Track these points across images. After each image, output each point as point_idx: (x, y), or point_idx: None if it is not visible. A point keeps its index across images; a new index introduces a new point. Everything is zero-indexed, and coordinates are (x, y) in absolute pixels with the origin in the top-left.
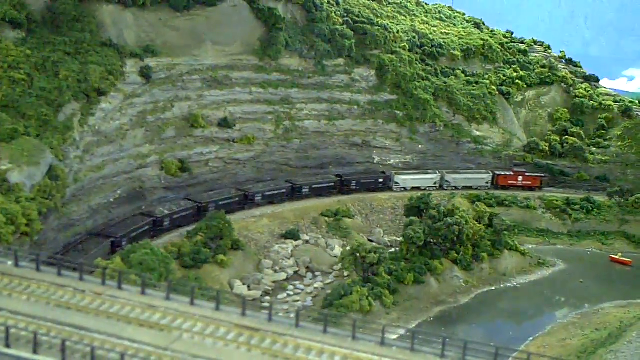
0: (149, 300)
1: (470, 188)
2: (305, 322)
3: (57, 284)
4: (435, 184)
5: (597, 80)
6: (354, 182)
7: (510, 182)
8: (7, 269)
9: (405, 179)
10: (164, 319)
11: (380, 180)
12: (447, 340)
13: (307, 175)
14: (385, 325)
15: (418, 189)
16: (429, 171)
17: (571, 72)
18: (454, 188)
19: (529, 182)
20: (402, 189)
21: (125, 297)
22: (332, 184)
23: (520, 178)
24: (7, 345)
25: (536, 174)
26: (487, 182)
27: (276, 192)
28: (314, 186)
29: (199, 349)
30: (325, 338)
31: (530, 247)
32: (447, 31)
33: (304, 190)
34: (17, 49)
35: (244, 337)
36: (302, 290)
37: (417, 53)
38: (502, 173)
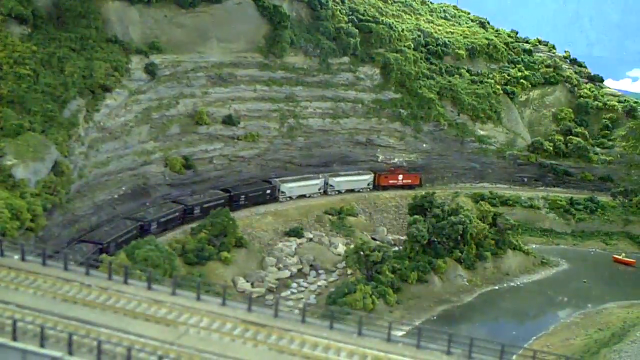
0: (155, 295)
1: (352, 191)
2: (311, 318)
3: (63, 278)
4: (319, 189)
5: (602, 81)
6: (243, 196)
7: (391, 181)
8: (14, 263)
9: (291, 187)
10: (170, 314)
11: (268, 191)
12: (453, 337)
13: (201, 190)
14: (392, 322)
15: (304, 196)
16: (311, 175)
17: (575, 72)
18: (337, 192)
19: (409, 181)
20: (288, 198)
21: (132, 292)
22: (222, 201)
23: (400, 177)
24: (15, 339)
25: (415, 172)
26: (368, 184)
27: (170, 216)
28: (204, 205)
29: (205, 344)
30: (332, 334)
31: (534, 246)
32: (451, 30)
33: (195, 211)
34: (23, 45)
35: (250, 333)
36: (306, 288)
37: (421, 52)
38: (383, 173)
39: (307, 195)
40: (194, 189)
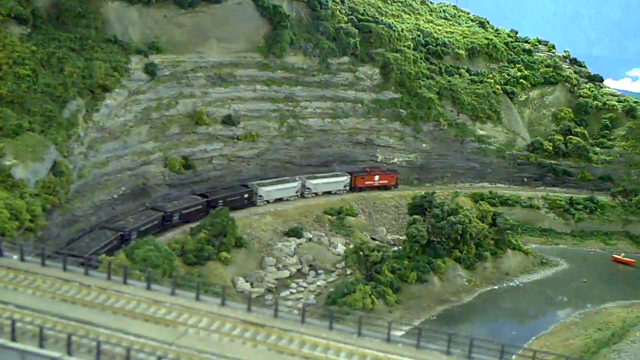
0: (154, 295)
1: (330, 193)
2: (310, 318)
3: (62, 278)
4: (297, 192)
5: (601, 80)
6: (221, 201)
7: (367, 182)
8: (13, 264)
9: (269, 191)
10: (169, 314)
11: (246, 195)
12: (453, 337)
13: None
14: (391, 322)
15: (281, 199)
16: (288, 178)
17: (575, 72)
18: (314, 195)
19: (386, 181)
20: (265, 202)
21: (131, 292)
22: (200, 207)
23: (377, 177)
24: (13, 339)
25: (392, 172)
26: (345, 186)
27: (149, 224)
28: (183, 212)
29: (205, 345)
30: (331, 334)
31: (533, 246)
32: (451, 30)
33: (174, 218)
34: (22, 45)
35: (249, 333)
36: (305, 288)
37: (421, 52)
38: (359, 174)
39: (285, 199)
40: (172, 196)
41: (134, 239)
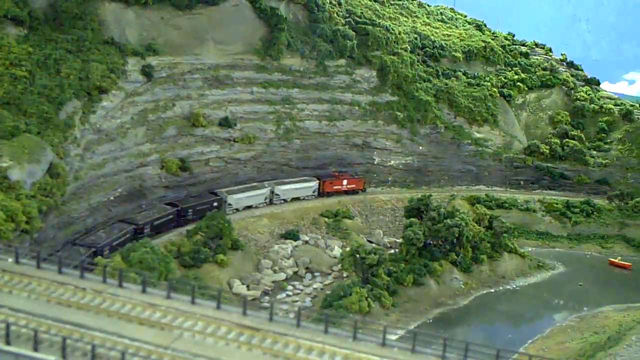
0: (149, 298)
1: (299, 199)
2: (306, 322)
3: (57, 281)
4: (266, 199)
5: (598, 84)
6: (191, 210)
7: (335, 187)
8: (8, 266)
9: (239, 199)
10: (164, 317)
11: (215, 203)
12: (448, 341)
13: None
14: (387, 326)
15: (250, 207)
16: (257, 185)
17: (572, 75)
18: (283, 201)
19: (353, 186)
20: (235, 210)
21: (126, 296)
22: (171, 217)
23: (345, 182)
24: (8, 343)
25: (359, 176)
26: (314, 191)
27: (122, 238)
28: (155, 223)
29: (200, 348)
30: (326, 338)
31: (530, 249)
32: (448, 33)
33: (145, 231)
34: (19, 46)
35: (244, 337)
36: (302, 290)
37: (418, 54)
38: (328, 179)
39: (254, 206)
40: (143, 205)
41: (106, 255)
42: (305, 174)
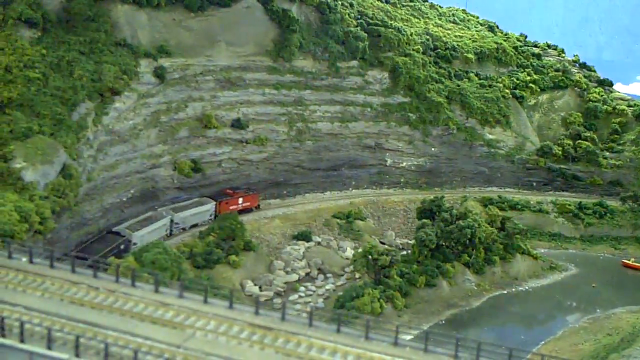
0: (162, 298)
1: (197, 226)
2: (318, 321)
3: (71, 280)
4: (166, 230)
5: (611, 85)
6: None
7: (232, 207)
8: (22, 266)
9: (142, 235)
10: (177, 316)
11: (122, 246)
12: (461, 341)
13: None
14: (399, 326)
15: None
16: (156, 214)
17: (585, 76)
18: (182, 230)
19: (248, 203)
20: (134, 245)
21: (139, 295)
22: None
23: (240, 200)
24: (22, 341)
25: (253, 192)
26: (211, 214)
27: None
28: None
29: (212, 347)
30: (339, 338)
31: (543, 251)
32: (460, 34)
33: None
34: (33, 48)
35: (257, 336)
36: (314, 291)
37: (430, 56)
38: (224, 199)
39: (156, 240)
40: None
41: None
42: (316, 175)
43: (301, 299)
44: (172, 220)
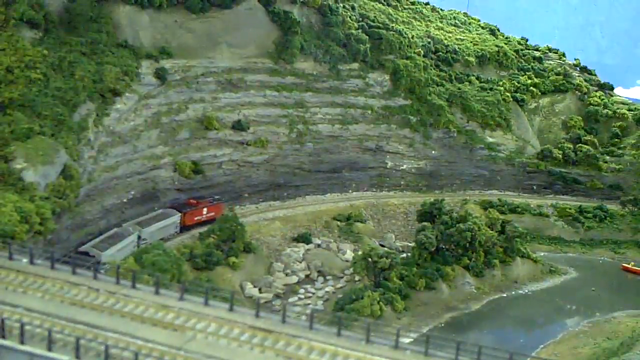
0: (162, 300)
1: (164, 240)
2: (319, 324)
3: (71, 282)
4: (134, 247)
5: (612, 89)
6: None
7: (196, 218)
8: (23, 267)
9: (111, 255)
10: (177, 318)
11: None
12: (461, 344)
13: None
14: (400, 329)
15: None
16: (122, 231)
17: (586, 80)
18: (149, 244)
19: (213, 213)
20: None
21: (139, 297)
22: None
23: (205, 210)
24: (22, 342)
25: (218, 202)
26: (176, 227)
27: None
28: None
29: (213, 349)
30: (339, 341)
31: (542, 254)
32: (461, 37)
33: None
34: (34, 49)
35: (257, 339)
36: (313, 294)
37: (431, 58)
38: (188, 210)
39: (122, 259)
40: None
41: None
42: (316, 177)
43: (300, 301)
44: (139, 236)
